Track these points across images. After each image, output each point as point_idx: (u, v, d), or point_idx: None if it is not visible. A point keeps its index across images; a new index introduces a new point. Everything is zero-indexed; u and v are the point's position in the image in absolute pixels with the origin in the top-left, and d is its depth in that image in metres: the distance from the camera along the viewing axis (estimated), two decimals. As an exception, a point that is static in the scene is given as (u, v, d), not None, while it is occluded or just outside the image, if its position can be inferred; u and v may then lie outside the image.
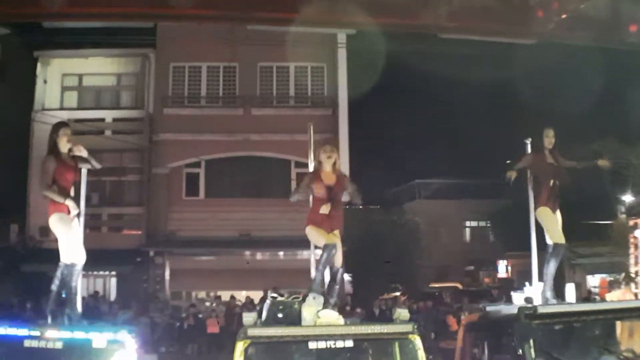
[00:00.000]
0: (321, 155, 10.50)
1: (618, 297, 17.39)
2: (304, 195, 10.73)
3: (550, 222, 11.42)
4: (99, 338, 9.06)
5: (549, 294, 11.21)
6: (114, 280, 34.22)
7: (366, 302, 28.02)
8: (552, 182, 11.48)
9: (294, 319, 9.29)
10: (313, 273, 10.55)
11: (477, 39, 17.00)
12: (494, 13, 14.00)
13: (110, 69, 37.49)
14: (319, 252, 10.39)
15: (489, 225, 55.34)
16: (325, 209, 10.26)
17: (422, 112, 64.68)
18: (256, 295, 27.92)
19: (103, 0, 13.26)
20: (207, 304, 29.70)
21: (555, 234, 11.41)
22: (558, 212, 11.54)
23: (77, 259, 10.01)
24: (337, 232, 10.44)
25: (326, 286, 10.43)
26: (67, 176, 10.15)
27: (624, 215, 35.38)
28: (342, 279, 10.49)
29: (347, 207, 35.11)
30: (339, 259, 10.39)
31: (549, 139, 11.66)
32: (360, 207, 49.38)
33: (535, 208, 11.50)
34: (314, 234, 10.31)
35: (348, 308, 24.76)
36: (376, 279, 38.13)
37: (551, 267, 11.33)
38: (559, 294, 11.57)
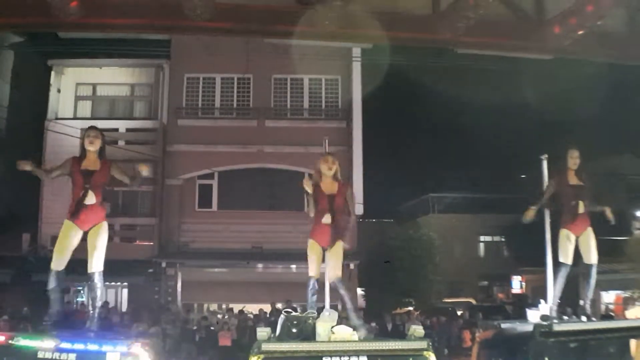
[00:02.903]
0: (322, 166, 10.59)
1: (636, 315, 17.30)
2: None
3: (561, 242, 11.47)
4: (112, 351, 9.03)
5: (553, 310, 11.24)
6: (125, 291, 34.19)
7: (379, 316, 27.91)
8: (573, 203, 11.45)
9: (308, 335, 9.26)
10: (327, 286, 10.61)
11: (494, 54, 16.98)
12: (512, 28, 13.95)
13: (125, 79, 37.55)
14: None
15: (503, 240, 55.08)
16: (327, 219, 10.43)
17: (437, 125, 64.69)
18: (269, 308, 27.91)
19: (118, 11, 13.24)
20: (219, 316, 29.57)
21: (560, 253, 11.46)
22: (588, 231, 11.52)
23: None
24: (340, 243, 10.51)
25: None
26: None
27: (639, 232, 35.23)
28: (343, 287, 10.53)
29: (360, 220, 35.05)
30: (336, 271, 10.52)
31: (574, 159, 11.68)
32: (374, 220, 49.52)
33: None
34: (310, 254, 10.55)
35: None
36: (389, 294, 38.06)
37: (555, 285, 11.39)
38: (574, 311, 11.55)
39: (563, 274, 11.41)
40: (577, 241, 11.50)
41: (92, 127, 10.93)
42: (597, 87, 36.10)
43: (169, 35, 32.07)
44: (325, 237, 10.49)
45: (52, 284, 10.10)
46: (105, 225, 10.38)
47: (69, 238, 10.19)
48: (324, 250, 10.52)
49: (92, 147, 10.40)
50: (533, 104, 48.33)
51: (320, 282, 10.65)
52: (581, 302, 11.43)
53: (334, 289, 10.60)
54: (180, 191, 35.12)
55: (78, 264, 10.35)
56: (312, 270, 10.49)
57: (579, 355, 10.22)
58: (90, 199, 10.22)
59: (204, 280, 33.58)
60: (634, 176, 38.28)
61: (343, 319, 10.25)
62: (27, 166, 10.40)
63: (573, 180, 11.63)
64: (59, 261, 10.15)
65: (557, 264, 11.51)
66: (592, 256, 11.52)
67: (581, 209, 11.53)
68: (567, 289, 11.34)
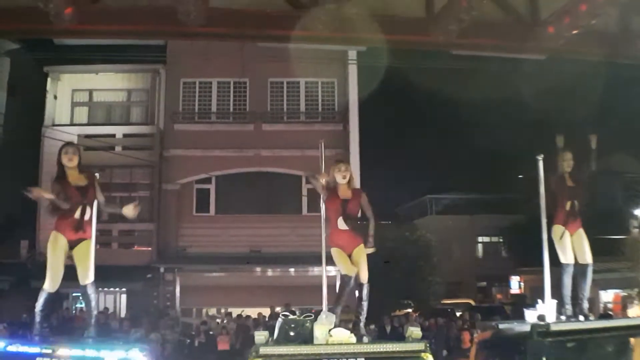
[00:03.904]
0: (336, 175, 10.51)
1: (637, 314, 17.29)
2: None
3: (560, 243, 11.46)
4: (110, 356, 9.02)
5: (568, 310, 11.21)
6: (124, 297, 34.15)
7: (377, 318, 27.89)
8: (569, 204, 11.50)
9: (306, 338, 9.24)
10: (325, 290, 10.57)
11: (489, 55, 16.99)
12: (505, 29, 13.95)
13: (121, 84, 37.55)
14: (330, 268, 10.46)
15: (501, 240, 55.12)
16: (342, 224, 10.38)
17: (433, 127, 64.82)
18: (268, 312, 27.88)
19: (114, 18, 13.22)
20: (218, 320, 29.53)
21: (562, 255, 11.46)
22: (580, 232, 11.56)
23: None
24: (361, 246, 10.50)
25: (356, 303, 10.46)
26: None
27: (637, 230, 35.19)
28: (368, 294, 10.52)
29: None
30: (364, 274, 10.41)
31: (567, 162, 11.75)
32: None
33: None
34: (337, 260, 10.36)
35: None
36: (388, 295, 37.93)
37: (562, 286, 11.36)
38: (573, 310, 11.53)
39: (568, 274, 11.40)
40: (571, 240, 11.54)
41: (69, 143, 10.69)
42: (592, 85, 36.12)
43: (164, 41, 32.12)
44: (346, 243, 10.40)
45: (42, 305, 9.94)
46: (92, 242, 10.23)
47: (63, 256, 10.10)
48: (349, 255, 10.40)
49: (72, 164, 10.18)
50: (529, 104, 48.42)
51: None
52: (579, 302, 11.43)
53: (358, 291, 10.52)
54: (178, 196, 35.13)
55: (76, 271, 10.30)
56: (349, 269, 10.23)
57: (577, 355, 10.20)
58: (88, 214, 10.16)
59: (203, 284, 33.59)
60: (630, 175, 38.25)
61: (348, 322, 10.27)
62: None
63: (569, 182, 11.69)
64: (54, 282, 10.02)
65: (560, 265, 11.50)
66: (586, 256, 11.54)
67: (575, 209, 11.58)
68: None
